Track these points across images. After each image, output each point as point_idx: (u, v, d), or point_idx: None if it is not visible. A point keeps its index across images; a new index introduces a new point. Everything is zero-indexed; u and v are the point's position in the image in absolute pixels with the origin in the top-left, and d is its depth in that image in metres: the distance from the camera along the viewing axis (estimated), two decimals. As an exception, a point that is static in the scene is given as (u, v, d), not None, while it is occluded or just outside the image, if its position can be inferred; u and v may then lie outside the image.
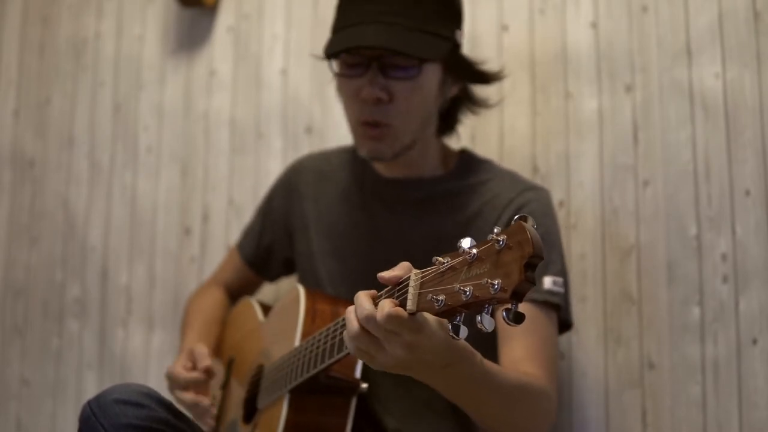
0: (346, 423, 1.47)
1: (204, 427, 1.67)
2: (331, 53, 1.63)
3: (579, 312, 1.83)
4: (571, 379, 1.88)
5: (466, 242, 1.06)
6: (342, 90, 1.68)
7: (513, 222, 1.01)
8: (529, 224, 1.00)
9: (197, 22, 2.44)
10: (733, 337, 1.71)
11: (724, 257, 1.74)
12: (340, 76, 1.67)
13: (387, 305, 1.14)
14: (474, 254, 1.04)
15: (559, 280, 1.62)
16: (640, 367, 1.82)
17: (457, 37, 1.67)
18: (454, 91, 1.72)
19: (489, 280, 1.00)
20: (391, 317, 1.13)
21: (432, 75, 1.64)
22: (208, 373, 1.70)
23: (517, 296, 0.99)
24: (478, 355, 1.29)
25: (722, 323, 1.73)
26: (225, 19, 2.41)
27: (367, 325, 1.17)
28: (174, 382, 1.71)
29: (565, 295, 1.65)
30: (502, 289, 0.99)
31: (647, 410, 1.80)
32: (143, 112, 2.48)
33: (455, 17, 1.67)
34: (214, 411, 1.71)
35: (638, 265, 1.84)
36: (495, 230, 1.02)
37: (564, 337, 1.83)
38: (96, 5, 2.58)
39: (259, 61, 2.35)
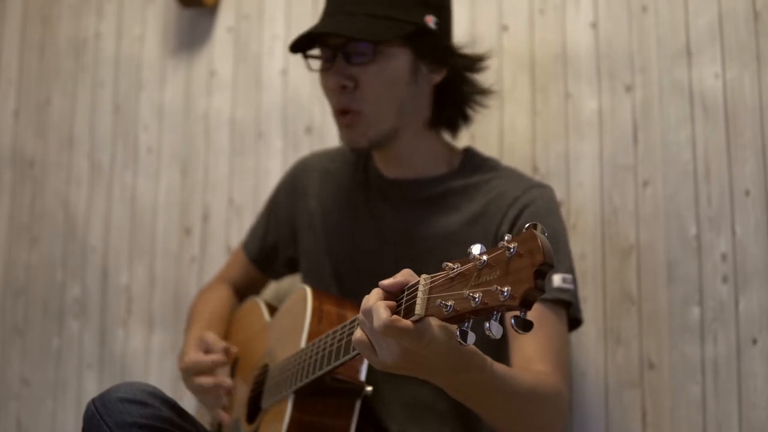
0: (350, 425, 1.47)
1: (219, 403, 1.70)
2: (291, 48, 1.68)
3: (580, 312, 1.84)
4: (572, 379, 1.88)
5: (476, 248, 1.06)
6: (321, 85, 1.72)
7: (524, 229, 1.01)
8: (540, 232, 1.00)
9: (197, 22, 2.44)
10: (733, 337, 1.71)
11: (724, 257, 1.74)
12: (316, 70, 1.71)
13: (383, 313, 1.14)
14: (484, 261, 1.04)
15: (569, 277, 1.62)
16: (640, 366, 1.82)
17: (429, 23, 1.65)
18: (435, 78, 1.70)
19: (499, 287, 1.00)
20: (386, 327, 1.14)
21: (396, 60, 1.65)
22: (228, 353, 1.71)
23: (527, 304, 0.99)
24: (489, 360, 1.29)
25: (722, 323, 1.73)
26: (225, 19, 2.41)
27: (368, 320, 1.18)
28: (195, 369, 1.70)
29: (574, 292, 1.65)
30: (512, 297, 0.99)
31: (647, 410, 1.80)
32: (143, 112, 2.48)
33: (426, 3, 1.66)
34: (230, 389, 1.71)
35: (638, 265, 1.84)
36: (506, 237, 1.02)
37: (564, 337, 1.84)
38: (96, 5, 2.58)
39: (259, 61, 2.35)
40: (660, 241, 1.82)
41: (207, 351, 1.73)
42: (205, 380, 1.69)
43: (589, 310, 1.87)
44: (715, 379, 1.72)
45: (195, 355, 1.72)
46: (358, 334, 1.22)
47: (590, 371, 1.87)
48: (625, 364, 1.84)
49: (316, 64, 1.71)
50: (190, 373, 1.71)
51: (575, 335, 1.87)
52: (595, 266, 1.89)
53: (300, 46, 1.69)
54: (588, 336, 1.88)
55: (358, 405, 1.48)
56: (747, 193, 1.73)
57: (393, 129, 1.68)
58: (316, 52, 1.71)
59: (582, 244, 1.90)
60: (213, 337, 1.74)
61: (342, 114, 1.67)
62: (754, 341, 1.69)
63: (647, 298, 1.83)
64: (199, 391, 1.71)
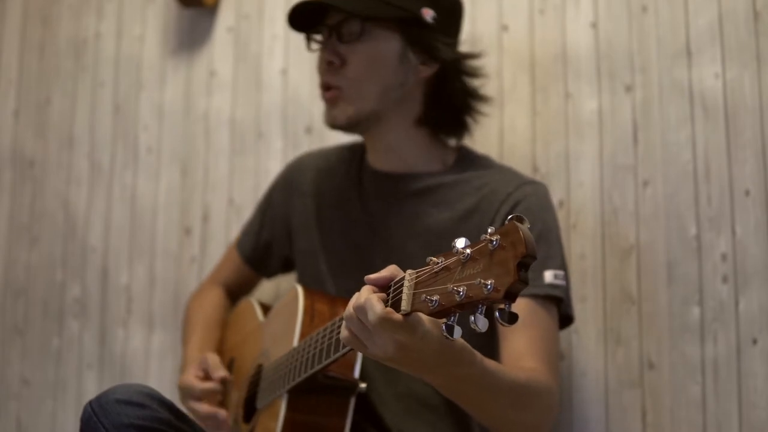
0: (344, 423, 1.47)
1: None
2: (291, 23, 1.72)
3: (579, 312, 1.83)
4: (571, 379, 1.88)
5: (460, 242, 1.06)
6: (317, 66, 1.76)
7: (506, 222, 1.01)
8: (523, 224, 1.00)
9: (197, 22, 2.44)
10: (733, 337, 1.71)
11: (724, 257, 1.74)
12: (314, 50, 1.76)
13: (377, 306, 1.14)
14: (468, 254, 1.04)
15: (560, 273, 1.62)
16: (640, 366, 1.82)
17: (425, 16, 1.67)
18: (425, 71, 1.71)
19: (482, 281, 1.00)
20: (382, 320, 1.14)
21: (385, 43, 1.68)
22: (224, 382, 1.70)
23: (510, 296, 0.99)
24: (478, 356, 1.29)
25: (722, 323, 1.73)
26: (225, 19, 2.41)
27: (360, 316, 1.17)
28: (188, 393, 1.70)
29: (566, 289, 1.65)
30: (495, 290, 0.99)
31: (647, 410, 1.80)
32: (143, 112, 2.48)
33: None
34: (230, 423, 1.70)
35: (638, 265, 1.84)
36: (489, 230, 1.02)
37: (564, 337, 1.84)
38: (96, 5, 2.58)
39: (259, 61, 2.35)
40: (660, 241, 1.82)
41: (205, 376, 1.72)
42: (200, 407, 1.68)
43: (589, 310, 1.87)
44: (715, 379, 1.72)
45: (191, 379, 1.71)
46: (345, 332, 1.22)
47: (590, 371, 1.87)
48: (625, 364, 1.83)
49: (316, 46, 1.75)
50: (185, 394, 1.72)
51: (575, 335, 1.87)
52: (595, 266, 1.89)
53: (303, 25, 1.73)
54: (588, 336, 1.88)
55: (352, 402, 1.48)
56: (747, 193, 1.73)
57: (374, 112, 1.70)
58: (318, 37, 1.75)
59: (582, 244, 1.90)
60: (214, 362, 1.72)
61: (325, 90, 1.71)
62: (754, 341, 1.68)
63: (647, 298, 1.82)
64: (194, 416, 1.69)
